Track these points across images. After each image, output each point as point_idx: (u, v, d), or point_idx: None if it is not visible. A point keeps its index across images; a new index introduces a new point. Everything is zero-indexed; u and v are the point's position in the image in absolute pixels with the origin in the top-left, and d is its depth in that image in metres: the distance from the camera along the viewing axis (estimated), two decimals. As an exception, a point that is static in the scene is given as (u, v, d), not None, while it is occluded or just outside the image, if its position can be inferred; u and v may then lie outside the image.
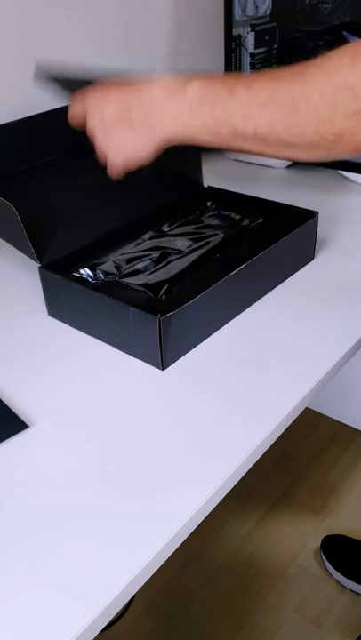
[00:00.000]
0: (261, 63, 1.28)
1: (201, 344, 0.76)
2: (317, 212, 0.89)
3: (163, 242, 0.85)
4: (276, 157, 0.56)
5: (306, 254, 0.92)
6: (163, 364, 0.72)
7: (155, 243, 0.85)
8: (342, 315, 0.80)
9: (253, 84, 0.53)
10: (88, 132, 0.65)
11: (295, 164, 1.28)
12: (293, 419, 0.68)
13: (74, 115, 0.67)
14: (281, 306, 0.83)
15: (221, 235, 0.86)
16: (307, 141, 0.50)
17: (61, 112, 1.02)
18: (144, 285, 0.76)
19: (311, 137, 0.49)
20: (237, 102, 0.53)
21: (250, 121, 0.52)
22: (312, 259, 0.93)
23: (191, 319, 0.73)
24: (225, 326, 0.79)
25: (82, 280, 0.79)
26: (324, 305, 0.82)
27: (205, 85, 0.55)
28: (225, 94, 0.54)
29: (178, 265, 0.80)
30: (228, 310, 0.80)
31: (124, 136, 0.62)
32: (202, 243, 0.84)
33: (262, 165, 1.29)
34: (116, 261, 0.82)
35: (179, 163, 0.99)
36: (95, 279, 0.79)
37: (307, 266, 0.91)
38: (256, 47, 1.25)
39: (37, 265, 0.79)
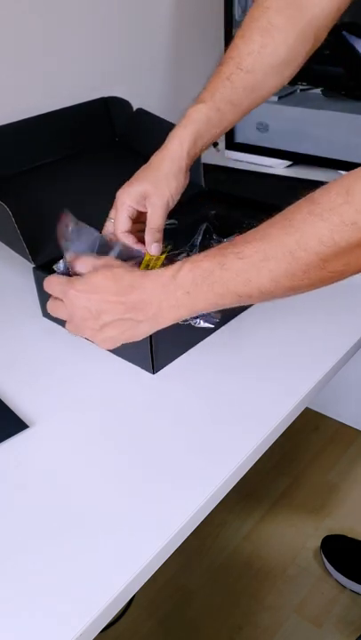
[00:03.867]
0: (261, 63, 1.27)
1: (195, 347, 0.76)
2: None
3: None
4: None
5: None
6: (154, 368, 0.72)
7: None
8: (342, 315, 0.80)
9: (244, 250, 0.52)
10: (68, 322, 0.63)
11: (295, 165, 1.28)
12: (293, 419, 0.68)
13: (51, 305, 0.64)
14: (279, 305, 0.83)
15: None
16: (315, 280, 0.50)
17: (58, 115, 1.03)
18: None
19: (319, 275, 0.49)
20: (234, 274, 0.53)
21: (252, 285, 0.52)
22: None
23: (183, 323, 0.72)
24: (220, 330, 0.79)
25: None
26: (324, 305, 0.82)
27: (195, 268, 0.55)
28: (218, 271, 0.53)
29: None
30: (224, 312, 0.80)
31: (121, 331, 0.59)
32: None
33: (262, 166, 1.29)
34: None
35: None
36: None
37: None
38: (256, 47, 1.24)
39: (32, 265, 0.79)
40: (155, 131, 1.01)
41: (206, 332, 0.77)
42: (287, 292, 0.53)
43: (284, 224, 0.50)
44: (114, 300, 0.57)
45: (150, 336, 0.68)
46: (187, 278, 0.55)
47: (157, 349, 0.70)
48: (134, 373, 0.72)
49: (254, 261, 0.52)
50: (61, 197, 0.93)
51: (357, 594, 1.32)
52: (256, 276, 0.52)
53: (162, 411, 0.67)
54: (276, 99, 1.25)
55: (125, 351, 0.74)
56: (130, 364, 0.73)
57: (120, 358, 0.74)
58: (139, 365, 0.73)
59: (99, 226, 0.80)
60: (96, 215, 0.88)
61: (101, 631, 0.49)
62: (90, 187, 0.97)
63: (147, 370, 0.72)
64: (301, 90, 1.30)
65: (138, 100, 1.07)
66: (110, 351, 0.75)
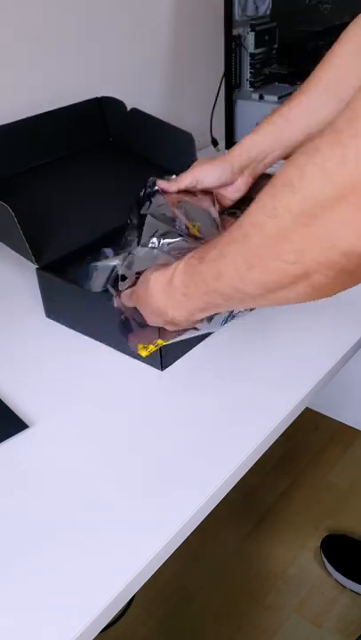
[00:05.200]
0: (261, 63, 1.28)
1: (201, 344, 0.76)
2: None
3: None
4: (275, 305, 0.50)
5: None
6: (162, 365, 0.72)
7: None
8: (343, 314, 0.80)
9: (219, 239, 0.48)
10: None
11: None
12: (293, 419, 0.68)
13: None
14: (280, 308, 0.83)
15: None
16: (274, 272, 0.44)
17: (59, 114, 1.03)
18: None
19: (274, 265, 0.43)
20: (207, 266, 0.50)
21: (224, 279, 0.48)
22: None
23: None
24: (224, 326, 0.79)
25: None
26: (324, 304, 0.82)
27: (186, 266, 0.54)
28: (198, 265, 0.51)
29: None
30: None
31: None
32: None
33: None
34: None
35: (176, 162, 0.99)
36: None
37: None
38: (256, 47, 1.25)
39: (35, 266, 0.79)
40: (149, 130, 1.02)
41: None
42: (259, 294, 0.46)
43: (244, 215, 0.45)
44: (146, 306, 0.61)
45: (159, 330, 0.68)
46: (179, 280, 0.54)
47: (166, 345, 0.70)
48: (142, 371, 0.72)
49: (221, 247, 0.47)
50: (59, 197, 0.93)
51: (357, 594, 1.32)
52: (224, 266, 0.47)
53: (164, 410, 0.67)
54: (275, 99, 1.25)
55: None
56: (137, 362, 0.73)
57: (127, 357, 0.74)
58: (147, 363, 0.73)
59: (97, 225, 0.80)
60: (95, 213, 0.88)
61: (101, 631, 0.49)
62: (87, 186, 0.97)
63: (155, 367, 0.72)
64: (301, 90, 1.30)
65: (137, 101, 1.07)
66: (115, 348, 0.75)
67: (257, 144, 0.76)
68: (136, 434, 0.64)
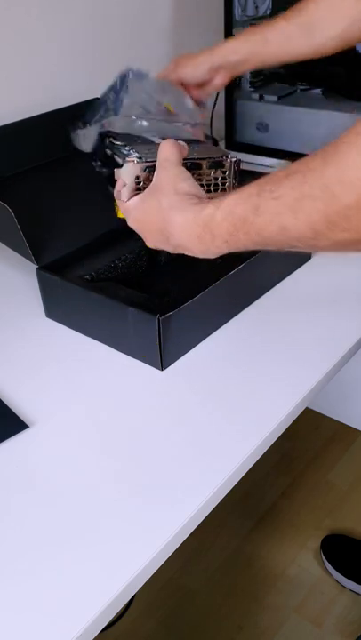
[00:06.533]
0: (261, 63, 1.28)
1: (201, 344, 0.76)
2: None
3: None
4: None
5: (303, 254, 0.92)
6: (162, 365, 0.72)
7: None
8: (343, 314, 0.80)
9: (280, 187, 0.44)
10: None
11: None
12: (293, 419, 0.68)
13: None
14: (281, 305, 0.83)
15: None
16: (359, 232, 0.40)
17: (58, 114, 1.03)
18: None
19: None
20: (268, 220, 0.45)
21: (290, 234, 0.44)
22: (309, 258, 0.93)
23: (190, 319, 0.73)
24: (224, 326, 0.79)
25: (79, 280, 0.78)
26: (325, 304, 0.82)
27: (228, 216, 0.49)
28: (252, 217, 0.46)
29: None
30: (227, 310, 0.80)
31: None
32: None
33: (262, 166, 1.29)
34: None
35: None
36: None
37: (304, 265, 0.92)
38: (256, 47, 1.24)
39: (35, 266, 0.79)
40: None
41: (206, 331, 0.78)
42: (330, 248, 0.44)
43: (323, 155, 0.41)
44: (159, 236, 0.58)
45: (159, 330, 0.68)
46: (222, 228, 0.50)
47: (166, 345, 0.70)
48: (142, 371, 0.72)
49: (289, 202, 0.43)
50: (59, 197, 0.93)
51: (357, 594, 1.32)
52: (293, 222, 0.43)
53: (164, 410, 0.67)
54: (275, 99, 1.25)
55: (133, 348, 0.74)
56: (137, 362, 0.73)
57: (127, 357, 0.75)
58: (147, 363, 0.73)
59: (97, 225, 0.80)
60: (94, 213, 0.88)
61: (101, 631, 0.49)
62: (87, 186, 0.97)
63: (155, 367, 0.72)
64: (301, 90, 1.30)
65: (138, 100, 1.07)
66: (115, 348, 0.75)
67: (236, 51, 0.83)
68: (136, 433, 0.64)
